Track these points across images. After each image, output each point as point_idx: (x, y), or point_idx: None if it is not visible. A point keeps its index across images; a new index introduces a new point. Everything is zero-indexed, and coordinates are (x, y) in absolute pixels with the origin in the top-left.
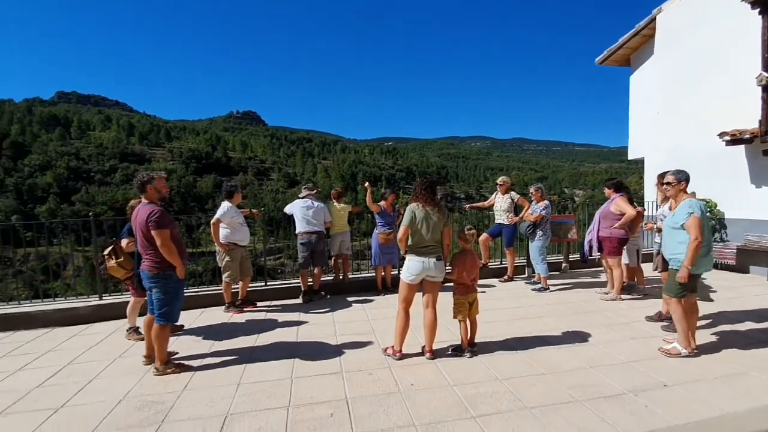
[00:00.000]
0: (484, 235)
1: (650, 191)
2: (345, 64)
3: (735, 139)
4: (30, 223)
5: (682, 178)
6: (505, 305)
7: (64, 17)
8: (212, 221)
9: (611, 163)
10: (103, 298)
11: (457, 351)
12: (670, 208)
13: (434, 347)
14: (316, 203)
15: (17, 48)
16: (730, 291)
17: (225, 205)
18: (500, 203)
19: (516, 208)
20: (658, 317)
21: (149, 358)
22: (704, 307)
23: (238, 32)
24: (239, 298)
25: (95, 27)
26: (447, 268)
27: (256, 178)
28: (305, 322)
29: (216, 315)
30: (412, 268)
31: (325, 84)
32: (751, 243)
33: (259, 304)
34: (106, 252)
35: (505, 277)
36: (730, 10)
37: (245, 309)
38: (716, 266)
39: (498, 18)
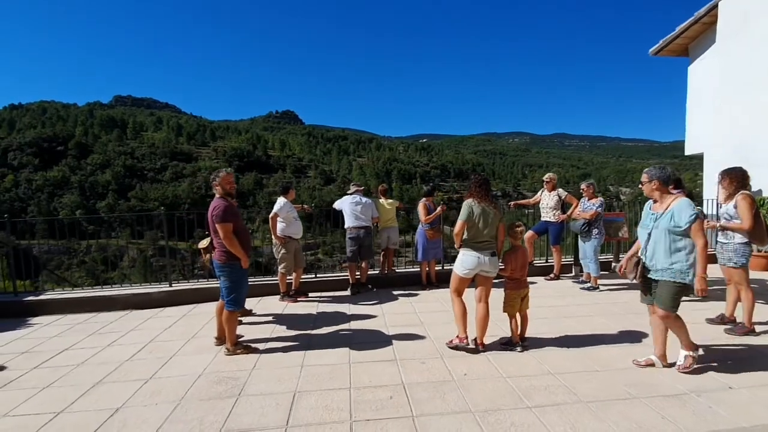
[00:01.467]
0: (529, 233)
1: (710, 189)
2: (380, 61)
3: None
4: (92, 217)
5: (655, 176)
6: (552, 303)
7: (119, 24)
8: (270, 215)
9: (662, 159)
10: (173, 285)
11: (507, 345)
12: (723, 206)
13: (485, 341)
14: (364, 199)
15: (79, 55)
16: None
17: (281, 200)
18: (546, 200)
19: (563, 206)
20: (720, 320)
21: (220, 339)
22: None
23: (277, 33)
24: (293, 288)
25: (146, 33)
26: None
27: (294, 175)
28: (356, 313)
29: (272, 303)
30: (467, 262)
31: (360, 81)
32: None
33: (310, 295)
34: (202, 245)
35: (552, 275)
36: None
37: (299, 299)
38: None
39: (535, 6)
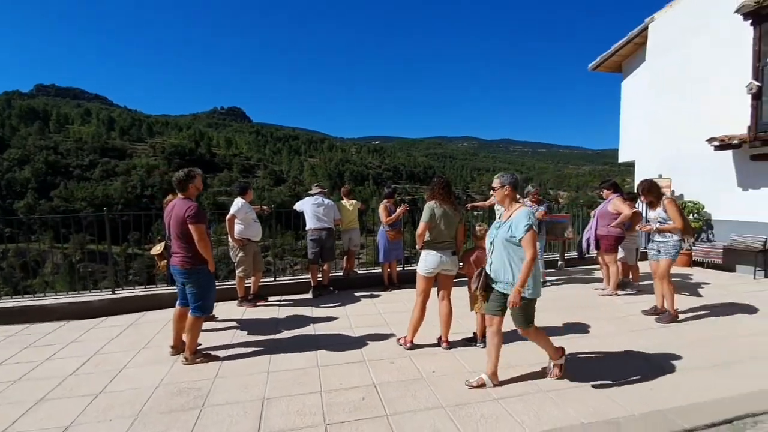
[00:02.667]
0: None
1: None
2: (332, 61)
3: (723, 144)
4: (9, 219)
5: (507, 181)
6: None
7: (40, 9)
8: (227, 217)
9: (594, 165)
10: (116, 292)
11: (470, 341)
12: (651, 212)
13: (449, 338)
14: (326, 201)
15: None
16: (720, 288)
17: (239, 201)
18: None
19: None
20: (654, 311)
21: (176, 349)
22: (697, 303)
23: (222, 25)
24: (251, 292)
25: (73, 19)
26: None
27: (242, 175)
28: (320, 316)
29: (230, 309)
30: (429, 262)
31: (311, 81)
32: (737, 243)
33: (269, 299)
34: (155, 252)
35: None
36: (722, 20)
37: (258, 303)
38: (702, 264)
39: (486, 21)
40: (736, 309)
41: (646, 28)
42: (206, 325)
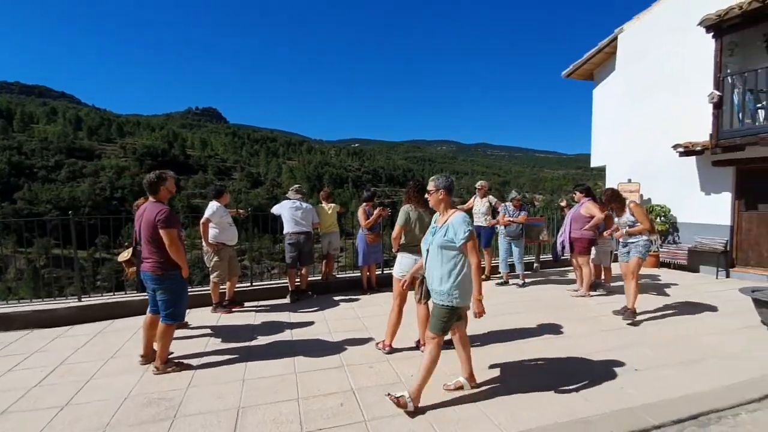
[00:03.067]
0: None
1: None
2: (310, 63)
3: (687, 150)
4: None
5: (442, 185)
6: (486, 302)
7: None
8: (201, 221)
9: (568, 169)
10: (83, 299)
11: (449, 344)
12: (618, 219)
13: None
14: (304, 204)
15: None
16: (685, 288)
17: (213, 204)
18: (479, 206)
19: (493, 212)
20: (624, 310)
21: (146, 358)
22: (664, 303)
23: (196, 24)
24: (227, 298)
25: (38, 14)
26: None
27: (217, 177)
28: (297, 321)
29: (204, 315)
30: (404, 264)
31: (290, 83)
32: (701, 245)
33: (246, 304)
34: (123, 259)
35: (483, 276)
36: (686, 31)
37: (233, 309)
38: (669, 266)
39: (464, 26)
40: (700, 309)
41: (615, 38)
42: (179, 332)
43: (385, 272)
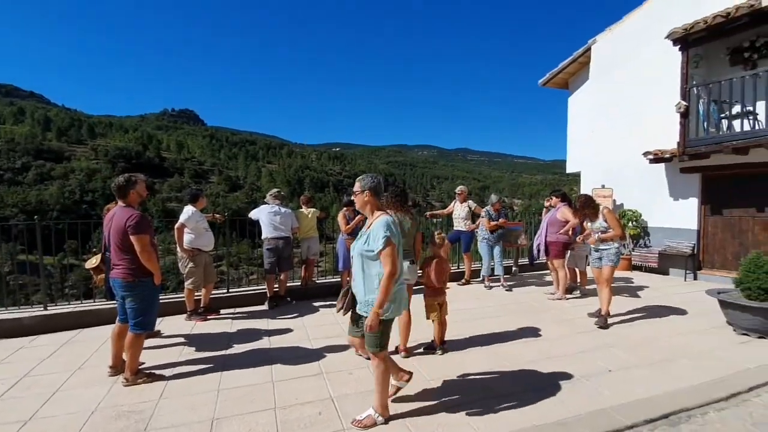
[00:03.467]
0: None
1: None
2: (291, 66)
3: (657, 158)
4: None
5: (367, 185)
6: (466, 306)
7: None
8: (176, 226)
9: (546, 175)
10: (48, 308)
11: (429, 349)
12: (592, 224)
13: (407, 346)
14: (283, 209)
15: None
16: (655, 291)
17: (189, 209)
18: (458, 211)
19: (473, 216)
20: (599, 313)
21: (115, 369)
22: (635, 305)
23: (174, 23)
24: (202, 305)
25: (5, 9)
26: (418, 271)
27: (194, 180)
28: (275, 328)
29: (178, 323)
30: None
31: (271, 86)
32: (670, 248)
33: (222, 311)
34: (90, 266)
35: (463, 280)
36: (655, 44)
37: (208, 317)
38: (640, 269)
39: (444, 32)
40: (670, 310)
41: (589, 49)
42: (151, 342)
43: None
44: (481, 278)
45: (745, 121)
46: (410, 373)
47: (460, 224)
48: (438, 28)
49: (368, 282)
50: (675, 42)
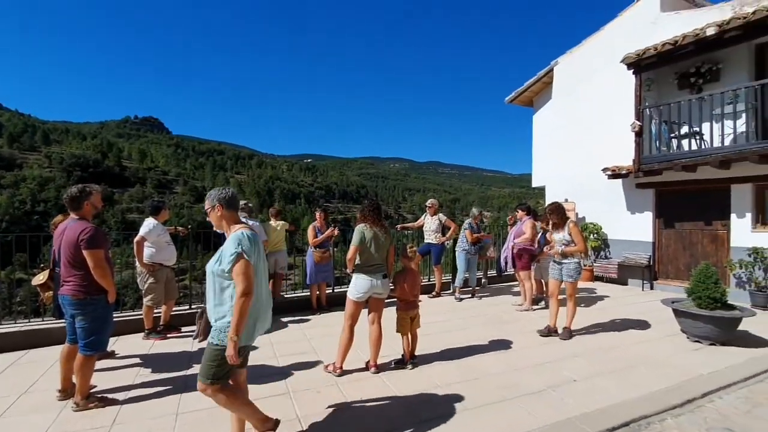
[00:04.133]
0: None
1: None
2: (262, 75)
3: (615, 173)
4: None
5: (216, 199)
6: (436, 319)
7: None
8: (136, 240)
9: (513, 188)
10: None
11: (399, 364)
12: (557, 234)
13: (377, 362)
14: (251, 221)
15: None
16: (615, 300)
17: (150, 222)
18: (429, 224)
19: (443, 229)
20: (548, 331)
21: (65, 393)
22: (597, 315)
23: (136, 27)
24: (161, 323)
25: None
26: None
27: (156, 190)
28: None
29: (135, 343)
30: (360, 286)
31: (240, 94)
32: (628, 260)
33: (183, 329)
34: (37, 282)
35: (434, 293)
36: (612, 67)
37: (168, 335)
38: (602, 279)
39: (414, 47)
40: (629, 319)
41: (552, 70)
42: (104, 363)
43: (335, 291)
44: (451, 290)
45: (693, 141)
46: (276, 422)
47: (430, 237)
48: (411, 41)
49: (219, 305)
50: (629, 66)
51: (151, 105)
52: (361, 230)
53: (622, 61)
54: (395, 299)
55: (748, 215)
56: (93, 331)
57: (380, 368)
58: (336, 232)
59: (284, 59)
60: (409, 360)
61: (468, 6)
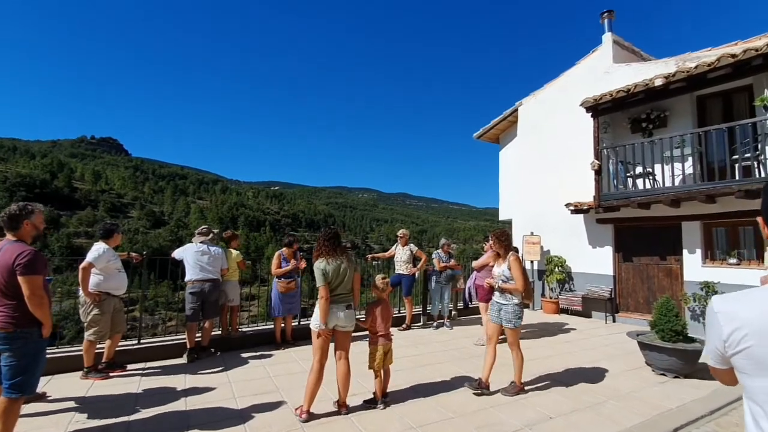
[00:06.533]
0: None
1: (519, 248)
2: (227, 100)
3: (577, 209)
4: None
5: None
6: (407, 353)
7: None
8: (82, 265)
9: (478, 221)
10: None
11: (370, 403)
12: (497, 267)
13: (347, 402)
14: (212, 248)
15: None
16: (581, 333)
17: (101, 247)
18: (400, 254)
19: (414, 260)
20: (478, 385)
21: None
22: (563, 348)
23: (95, 45)
24: (104, 359)
25: None
26: (360, 315)
27: (110, 214)
28: (194, 386)
29: (71, 383)
30: (320, 316)
31: (206, 118)
32: (591, 292)
33: (129, 367)
34: None
35: (404, 325)
36: (573, 108)
37: (112, 374)
38: (567, 312)
39: (383, 77)
40: (597, 353)
41: (516, 110)
42: (32, 407)
43: (302, 323)
44: (421, 323)
45: (647, 180)
46: None
47: (401, 267)
48: (381, 74)
49: None
50: (587, 110)
51: (110, 125)
52: (320, 267)
53: (581, 105)
54: (365, 333)
55: (698, 251)
56: (21, 370)
57: (350, 409)
58: (303, 264)
59: (254, 84)
60: (381, 398)
61: (438, 41)
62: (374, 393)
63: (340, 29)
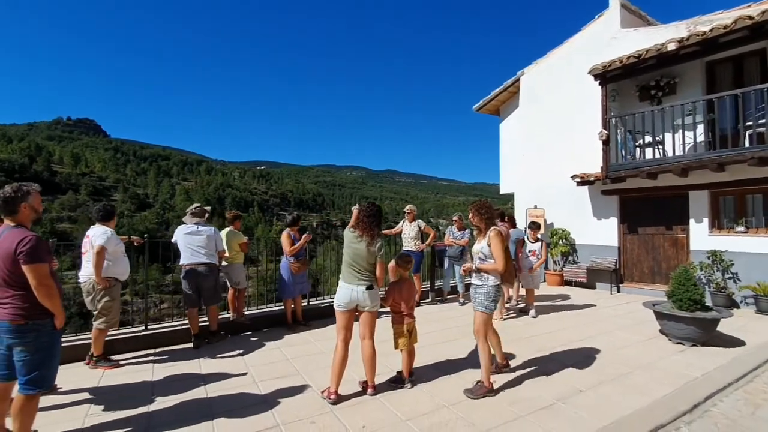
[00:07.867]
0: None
1: (520, 221)
2: (212, 77)
3: (583, 180)
4: None
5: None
6: (422, 330)
7: None
8: (96, 249)
9: (468, 197)
10: None
11: (396, 383)
12: (476, 244)
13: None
14: (202, 228)
15: None
16: (589, 305)
17: (106, 230)
18: (408, 231)
19: (422, 236)
20: (496, 368)
21: None
22: (575, 320)
23: (68, 23)
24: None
25: None
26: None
27: (92, 197)
28: (212, 372)
29: (79, 373)
30: (340, 295)
31: (188, 98)
32: (596, 264)
33: (139, 353)
34: None
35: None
36: (578, 76)
37: (122, 362)
38: (571, 284)
39: (369, 54)
40: (608, 323)
41: (518, 80)
42: (45, 400)
43: (311, 304)
44: (429, 299)
45: (655, 150)
46: None
47: (410, 244)
48: (366, 51)
49: None
50: (596, 77)
51: (86, 106)
52: (346, 230)
53: (589, 72)
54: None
55: (705, 220)
56: (36, 365)
57: (378, 389)
58: (310, 236)
59: (235, 64)
60: (408, 378)
61: (421, 16)
62: (399, 372)
63: (322, 5)
